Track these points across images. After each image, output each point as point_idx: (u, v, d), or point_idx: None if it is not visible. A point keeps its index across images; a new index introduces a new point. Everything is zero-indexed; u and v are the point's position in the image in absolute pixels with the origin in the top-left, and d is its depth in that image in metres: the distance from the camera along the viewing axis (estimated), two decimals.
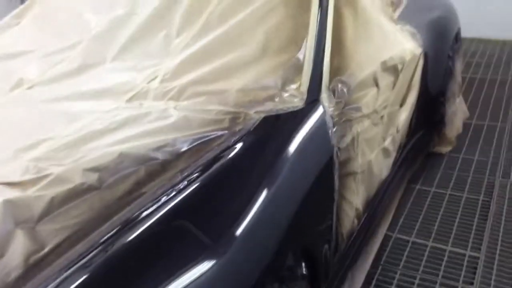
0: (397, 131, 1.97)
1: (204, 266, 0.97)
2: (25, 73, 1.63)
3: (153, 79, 1.48)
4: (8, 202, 1.00)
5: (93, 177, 1.09)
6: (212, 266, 0.97)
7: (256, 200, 1.15)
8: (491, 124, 3.19)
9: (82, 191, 1.07)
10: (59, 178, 1.08)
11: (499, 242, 2.09)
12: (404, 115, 2.04)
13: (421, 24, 2.36)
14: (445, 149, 2.85)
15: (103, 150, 1.16)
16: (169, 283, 0.91)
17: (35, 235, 0.99)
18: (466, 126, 3.15)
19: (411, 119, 2.23)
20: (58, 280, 0.89)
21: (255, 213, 1.11)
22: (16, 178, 1.10)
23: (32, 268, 0.95)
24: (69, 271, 0.91)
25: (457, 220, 2.27)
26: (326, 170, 1.41)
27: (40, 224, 1.01)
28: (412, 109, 2.17)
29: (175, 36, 1.61)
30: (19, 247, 0.96)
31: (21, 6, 2.10)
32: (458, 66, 2.92)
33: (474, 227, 2.22)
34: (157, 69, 1.51)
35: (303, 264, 1.30)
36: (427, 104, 2.47)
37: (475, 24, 4.96)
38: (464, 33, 5.00)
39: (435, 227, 2.23)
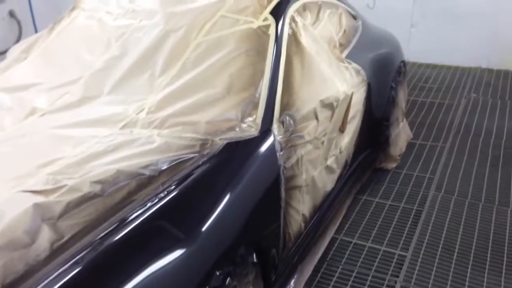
0: (340, 151, 2.40)
1: (178, 253, 1.36)
2: (37, 103, 2.00)
3: (140, 111, 1.86)
4: (37, 205, 1.38)
5: (97, 188, 1.47)
6: (183, 253, 1.37)
7: (218, 205, 1.55)
8: (433, 144, 3.65)
9: (90, 197, 1.45)
10: (72, 188, 1.46)
11: (424, 244, 2.52)
12: (346, 139, 2.47)
13: (366, 61, 2.81)
14: (390, 165, 3.29)
15: (104, 167, 1.55)
16: (151, 264, 1.30)
17: (56, 228, 1.36)
18: (411, 145, 3.62)
19: (356, 141, 2.67)
20: (73, 261, 1.27)
21: (217, 215, 1.52)
22: (39, 187, 1.47)
23: (55, 252, 1.33)
24: (80, 255, 1.28)
25: (392, 225, 2.71)
26: (274, 184, 1.82)
27: (60, 220, 1.38)
28: (355, 133, 2.61)
29: (158, 76, 1.99)
30: (45, 237, 1.33)
31: (27, 41, 2.47)
32: (401, 95, 3.37)
33: (405, 232, 2.66)
34: (144, 103, 1.89)
35: (254, 255, 1.70)
36: (371, 128, 2.92)
37: (430, 51, 5.46)
38: (419, 59, 5.53)
39: (374, 231, 2.66)
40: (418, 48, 5.45)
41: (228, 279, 1.50)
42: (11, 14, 4.07)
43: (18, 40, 4.09)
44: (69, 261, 1.26)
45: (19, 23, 4.13)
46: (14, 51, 2.46)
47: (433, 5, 5.33)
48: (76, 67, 2.16)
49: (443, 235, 2.59)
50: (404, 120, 3.53)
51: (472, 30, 5.20)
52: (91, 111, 1.92)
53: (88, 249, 1.30)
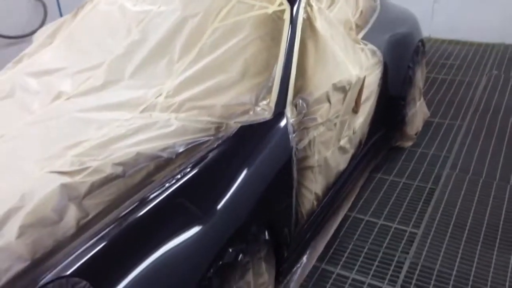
0: (354, 132, 2.46)
1: (193, 230, 1.46)
2: (63, 87, 2.11)
3: (159, 95, 1.96)
4: (63, 185, 1.50)
5: (119, 169, 1.58)
6: (199, 230, 1.47)
7: (232, 185, 1.65)
8: (450, 123, 3.67)
9: (112, 178, 1.56)
10: (96, 170, 1.57)
11: (436, 222, 2.58)
12: (360, 119, 2.53)
13: (382, 41, 2.84)
14: (406, 144, 3.34)
15: (125, 150, 1.65)
16: (169, 240, 1.41)
17: (82, 207, 1.48)
18: (429, 123, 3.64)
19: (371, 121, 2.73)
20: (98, 237, 1.38)
21: (230, 195, 1.61)
22: (66, 169, 1.59)
23: (81, 228, 1.44)
24: (104, 232, 1.39)
25: (405, 203, 2.78)
26: (286, 165, 1.90)
27: (85, 199, 1.49)
28: (370, 114, 2.66)
29: (176, 61, 2.07)
30: (72, 215, 1.45)
31: (51, 27, 2.57)
32: (419, 74, 3.38)
33: (418, 210, 2.72)
34: (162, 87, 1.99)
35: (266, 233, 1.80)
36: (387, 108, 2.96)
37: (453, 27, 5.39)
38: (442, 35, 5.46)
39: (387, 209, 2.74)
40: (441, 24, 5.39)
41: (241, 255, 1.61)
42: None
43: (43, 23, 4.20)
44: (94, 237, 1.37)
45: (44, 5, 4.23)
46: (40, 36, 2.57)
47: None
48: (99, 52, 2.26)
49: (455, 213, 2.64)
50: (422, 99, 3.55)
51: (496, 5, 5.11)
52: (113, 95, 2.02)
53: (112, 226, 1.40)
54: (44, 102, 2.05)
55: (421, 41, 3.40)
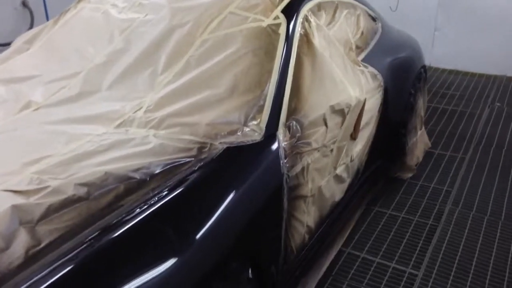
0: (351, 160, 2.27)
1: (163, 266, 1.25)
2: (33, 96, 1.91)
3: (138, 109, 1.76)
4: (15, 207, 1.29)
5: (82, 190, 1.38)
6: (170, 266, 1.25)
7: (213, 214, 1.44)
8: (452, 155, 3.49)
9: (73, 201, 1.35)
10: (55, 190, 1.36)
11: (438, 263, 2.37)
12: (359, 147, 2.34)
13: (384, 65, 2.67)
14: (406, 175, 3.14)
15: (92, 169, 1.45)
16: (133, 277, 1.19)
17: (35, 233, 1.27)
18: (429, 155, 3.46)
19: (369, 149, 2.54)
20: (48, 269, 1.16)
21: (211, 224, 1.41)
22: (22, 187, 1.38)
23: (30, 259, 1.23)
24: (58, 263, 1.18)
25: (404, 240, 2.57)
26: (276, 193, 1.69)
27: (39, 225, 1.28)
28: (368, 141, 2.47)
29: (159, 73, 1.89)
30: (21, 242, 1.23)
31: (32, 32, 2.39)
32: (421, 102, 3.22)
33: (418, 248, 2.51)
34: (142, 101, 1.80)
35: (250, 269, 1.58)
36: (387, 136, 2.77)
37: (454, 56, 5.27)
38: (442, 64, 5.35)
39: (385, 246, 2.52)
40: (441, 53, 5.28)
41: None
42: (24, 3, 4.02)
43: (30, 30, 4.04)
44: (45, 270, 1.16)
45: (31, 12, 4.07)
46: (18, 41, 2.39)
47: (459, 9, 5.12)
48: (77, 61, 2.07)
49: (459, 253, 2.43)
50: (423, 128, 3.37)
51: (498, 37, 5.00)
52: (88, 107, 1.83)
53: (67, 258, 1.20)
54: (11, 111, 1.85)
55: (424, 67, 3.26)
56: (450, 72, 5.29)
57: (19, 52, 2.27)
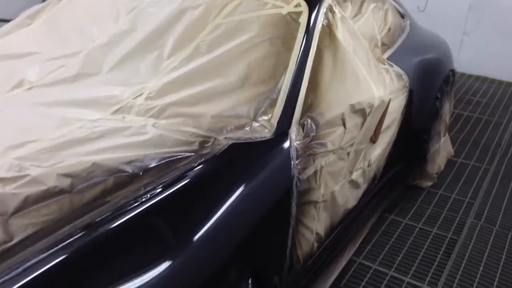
0: (369, 165, 2.09)
1: (153, 273, 1.09)
2: (27, 74, 1.77)
3: (139, 96, 1.61)
4: None
5: (66, 182, 1.23)
6: (163, 271, 1.10)
7: (212, 216, 1.27)
8: (476, 165, 3.28)
9: (54, 193, 1.21)
10: (35, 179, 1.22)
11: (456, 280, 2.19)
12: (378, 151, 2.16)
13: (410, 65, 2.48)
14: (425, 183, 2.95)
15: (79, 158, 1.30)
16: (116, 284, 1.05)
17: (7, 227, 1.13)
18: (451, 163, 3.26)
19: (389, 154, 2.35)
20: (17, 271, 1.02)
21: (209, 227, 1.24)
22: (0, 174, 1.25)
23: None
24: (29, 263, 1.03)
25: (421, 254, 2.38)
26: (284, 197, 1.53)
27: (13, 218, 1.15)
28: (388, 146, 2.29)
29: (165, 58, 1.73)
30: None
31: (35, 8, 2.25)
32: (446, 107, 3.02)
33: (436, 263, 2.32)
34: (144, 87, 1.64)
35: (250, 280, 1.42)
36: (408, 140, 2.58)
37: (483, 62, 5.03)
38: (469, 70, 5.11)
39: (399, 258, 2.34)
40: (469, 58, 5.03)
41: None
42: None
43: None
44: (14, 271, 1.02)
45: None
46: (22, 15, 2.24)
47: (490, 12, 4.87)
48: (79, 39, 1.92)
49: (479, 271, 2.24)
50: (447, 134, 3.17)
51: None
52: (84, 90, 1.68)
53: (40, 257, 1.05)
54: (1, 90, 1.70)
55: (452, 71, 3.05)
56: (477, 78, 5.05)
57: (20, 27, 2.13)
